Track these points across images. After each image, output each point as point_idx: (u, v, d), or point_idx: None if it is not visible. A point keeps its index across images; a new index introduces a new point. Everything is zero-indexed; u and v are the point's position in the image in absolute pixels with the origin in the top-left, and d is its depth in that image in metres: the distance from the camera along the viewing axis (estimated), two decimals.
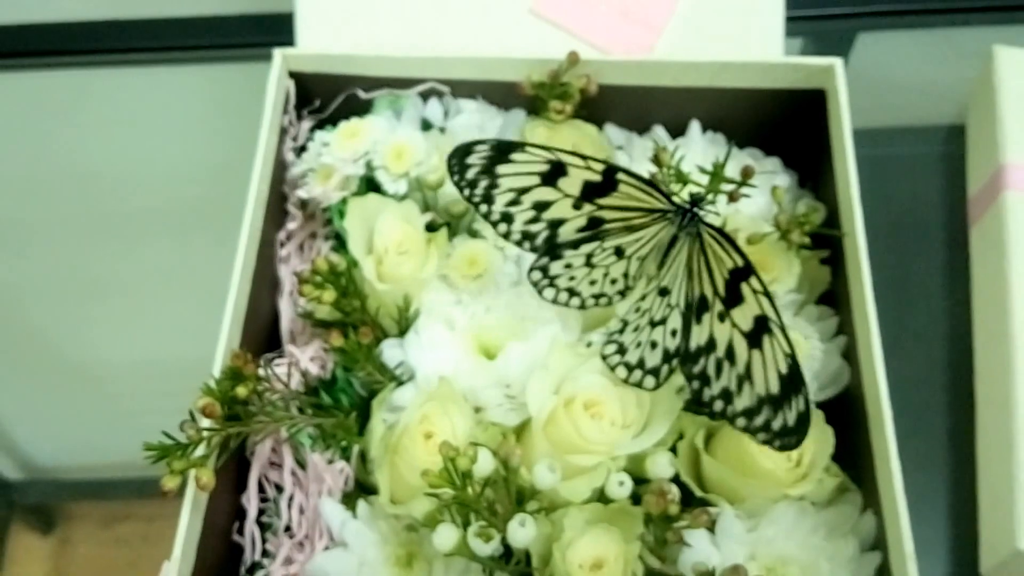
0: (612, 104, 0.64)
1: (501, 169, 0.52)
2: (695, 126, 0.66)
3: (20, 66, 0.90)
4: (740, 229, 0.57)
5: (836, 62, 0.61)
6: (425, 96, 0.66)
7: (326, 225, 0.64)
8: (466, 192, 0.53)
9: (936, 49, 0.93)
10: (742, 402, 0.49)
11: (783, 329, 0.48)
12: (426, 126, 0.65)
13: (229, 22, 0.89)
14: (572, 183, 0.53)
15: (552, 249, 0.54)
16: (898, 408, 0.69)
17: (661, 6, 0.68)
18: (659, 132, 0.66)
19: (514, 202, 0.53)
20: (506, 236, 0.54)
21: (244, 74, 0.92)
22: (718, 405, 0.50)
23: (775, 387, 0.48)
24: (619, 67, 0.63)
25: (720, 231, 0.51)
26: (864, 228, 0.57)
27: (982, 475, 0.65)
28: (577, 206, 0.53)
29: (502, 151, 0.52)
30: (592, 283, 0.54)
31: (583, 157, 0.52)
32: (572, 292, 0.55)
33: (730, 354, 0.49)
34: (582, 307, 0.55)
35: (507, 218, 0.54)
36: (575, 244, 0.54)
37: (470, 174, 0.52)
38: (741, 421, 0.49)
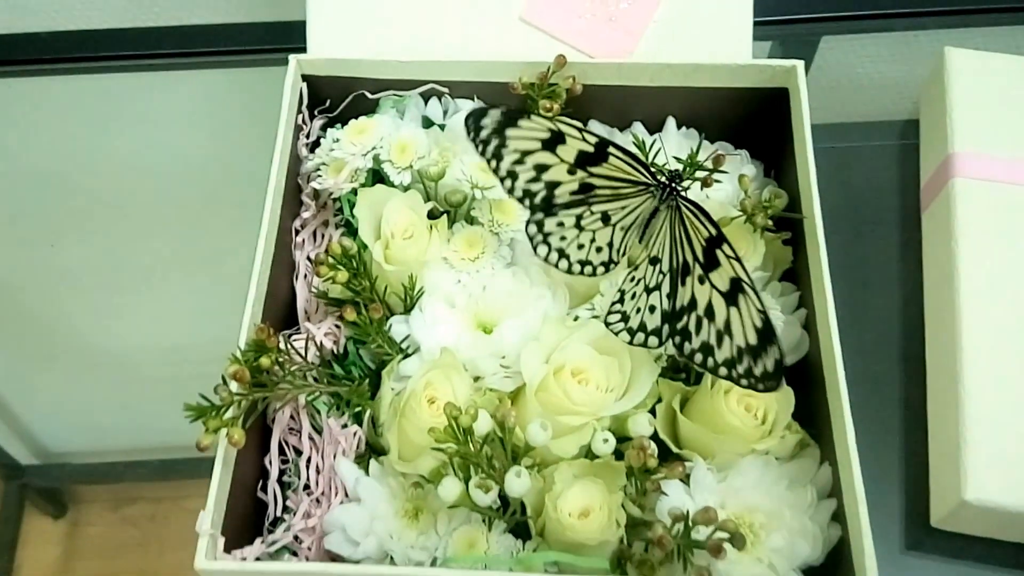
0: (596, 102, 0.67)
1: (510, 132, 0.56)
2: (671, 122, 0.69)
3: (55, 71, 0.92)
4: (710, 213, 0.60)
5: (798, 64, 0.64)
6: (426, 96, 0.68)
7: (337, 214, 0.66)
8: (479, 149, 0.57)
9: (894, 50, 0.96)
10: (722, 354, 0.52)
11: (754, 289, 0.52)
12: (427, 124, 0.68)
13: (246, 29, 0.91)
14: (568, 151, 0.57)
15: (548, 208, 0.58)
16: (858, 376, 0.72)
17: (640, 14, 0.70)
18: (639, 128, 0.69)
19: (519, 162, 0.57)
20: (510, 192, 0.58)
21: (260, 76, 0.93)
22: (698, 357, 0.53)
23: (753, 339, 0.51)
24: (601, 69, 0.66)
25: (695, 204, 0.55)
26: (822, 213, 0.60)
27: (932, 435, 0.68)
28: (571, 172, 0.57)
29: (511, 117, 0.56)
30: (580, 247, 0.58)
31: (579, 129, 0.56)
32: (561, 253, 0.58)
33: (709, 312, 0.53)
34: (569, 271, 0.58)
35: (512, 176, 0.57)
36: (568, 205, 0.58)
37: (483, 134, 0.56)
38: (723, 371, 0.53)
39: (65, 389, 1.16)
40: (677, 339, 0.54)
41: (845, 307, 0.75)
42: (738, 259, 0.52)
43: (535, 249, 0.58)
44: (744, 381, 0.52)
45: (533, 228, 0.58)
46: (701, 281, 0.53)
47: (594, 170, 0.57)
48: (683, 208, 0.55)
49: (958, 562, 0.65)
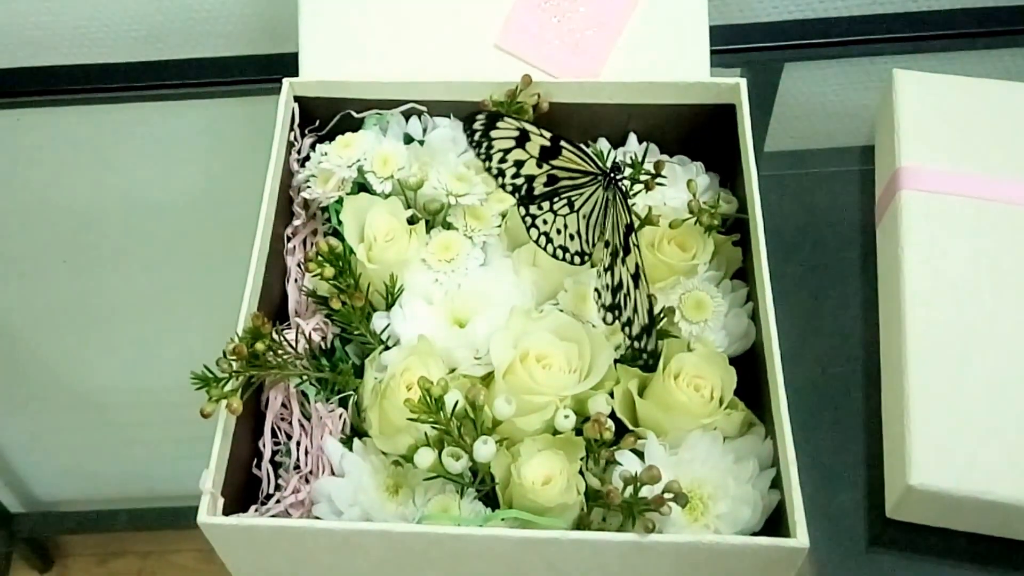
0: (562, 119, 0.74)
1: (493, 134, 0.65)
2: (632, 137, 0.76)
3: (65, 102, 0.97)
4: (664, 216, 0.68)
5: (741, 81, 0.71)
6: (407, 115, 0.76)
7: (325, 223, 0.73)
8: (475, 151, 0.66)
9: (857, 79, 1.04)
10: (635, 330, 0.61)
11: (644, 273, 0.61)
12: (408, 139, 0.75)
13: (246, 61, 0.98)
14: (534, 147, 0.65)
15: (532, 198, 0.66)
16: (820, 378, 0.80)
17: (603, 41, 0.78)
18: (603, 143, 0.77)
19: (502, 160, 0.66)
20: (502, 186, 0.67)
21: (261, 105, 0.95)
22: (626, 330, 0.61)
23: (646, 319, 0.60)
24: (564, 87, 0.74)
25: (624, 195, 0.64)
26: (772, 221, 0.66)
27: (885, 429, 0.74)
28: (539, 165, 0.66)
29: (491, 120, 0.65)
30: (558, 232, 0.66)
31: (537, 126, 0.65)
32: (548, 238, 0.66)
33: (628, 292, 0.61)
34: (553, 255, 0.66)
35: (501, 172, 0.66)
36: (544, 195, 0.66)
37: (476, 137, 0.66)
38: (636, 344, 0.61)
39: (54, 436, 1.18)
40: (615, 312, 0.62)
41: (809, 315, 0.83)
42: (636, 244, 0.62)
43: (528, 231, 0.66)
44: (644, 356, 0.61)
45: (522, 211, 0.66)
46: (623, 263, 0.62)
47: (554, 163, 0.65)
48: (618, 197, 0.64)
49: (912, 552, 0.71)
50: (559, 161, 0.66)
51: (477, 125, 0.66)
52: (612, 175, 0.65)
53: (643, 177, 0.67)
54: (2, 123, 1.01)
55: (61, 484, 1.20)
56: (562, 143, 0.65)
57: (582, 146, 0.66)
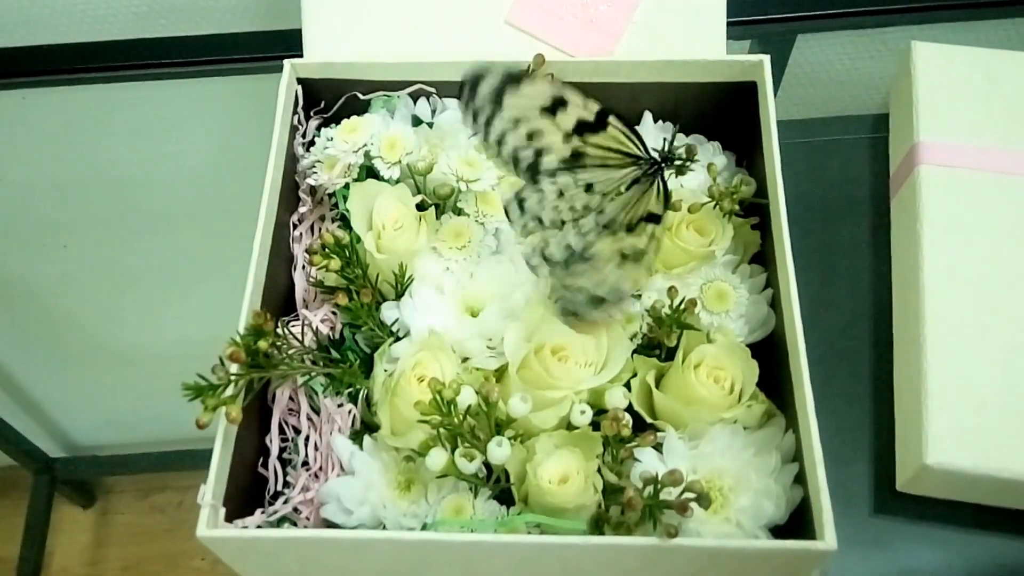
0: None
1: (508, 100, 0.57)
2: (648, 116, 0.71)
3: (66, 81, 0.93)
4: (683, 199, 0.63)
5: (764, 58, 0.66)
6: (415, 96, 0.70)
7: (333, 208, 0.69)
8: (472, 117, 0.57)
9: (868, 48, 0.99)
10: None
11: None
12: (416, 122, 0.70)
13: (244, 38, 0.92)
14: (568, 118, 0.57)
15: (534, 173, 0.58)
16: (831, 353, 0.76)
17: (618, 16, 0.73)
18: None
19: (512, 129, 0.57)
20: (497, 155, 0.58)
21: (268, 83, 0.96)
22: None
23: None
24: (579, 66, 0.68)
25: (667, 188, 0.58)
26: (798, 203, 0.62)
27: (898, 404, 0.71)
28: (566, 139, 0.58)
29: (514, 79, 0.56)
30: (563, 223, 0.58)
31: (583, 95, 0.57)
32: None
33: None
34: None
35: (500, 141, 0.58)
36: (554, 172, 0.58)
37: (478, 101, 0.57)
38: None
39: (91, 384, 1.18)
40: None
41: (819, 289, 0.79)
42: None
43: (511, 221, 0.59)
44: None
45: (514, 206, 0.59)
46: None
47: (591, 139, 0.57)
48: (656, 184, 0.58)
49: (922, 523, 0.69)
50: (598, 138, 0.57)
51: (484, 89, 0.55)
52: (660, 164, 0.58)
53: (676, 162, 0.61)
54: (5, 103, 0.96)
55: (100, 431, 1.20)
56: (610, 119, 0.57)
57: (634, 128, 0.59)
